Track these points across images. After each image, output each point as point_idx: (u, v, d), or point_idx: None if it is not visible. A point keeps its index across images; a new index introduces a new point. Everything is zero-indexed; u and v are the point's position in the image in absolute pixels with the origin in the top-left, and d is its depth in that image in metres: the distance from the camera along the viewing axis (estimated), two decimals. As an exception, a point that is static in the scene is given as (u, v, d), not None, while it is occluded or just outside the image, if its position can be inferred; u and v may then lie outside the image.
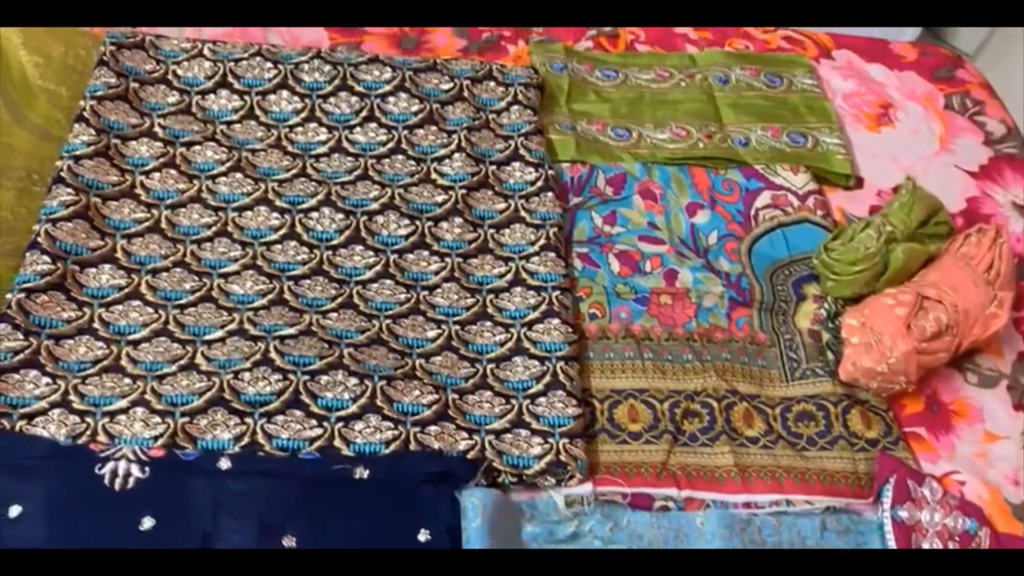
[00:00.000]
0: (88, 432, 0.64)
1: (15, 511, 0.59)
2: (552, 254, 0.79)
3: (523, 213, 0.82)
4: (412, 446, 0.66)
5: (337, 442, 0.66)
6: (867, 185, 0.92)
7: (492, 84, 0.91)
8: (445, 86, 0.90)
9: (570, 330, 0.74)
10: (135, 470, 0.61)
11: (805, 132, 0.94)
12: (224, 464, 0.63)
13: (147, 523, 0.59)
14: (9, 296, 0.70)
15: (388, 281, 0.77)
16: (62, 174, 0.77)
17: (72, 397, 0.66)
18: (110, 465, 0.61)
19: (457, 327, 0.75)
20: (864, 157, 0.95)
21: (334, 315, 0.74)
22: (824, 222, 0.85)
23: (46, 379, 0.67)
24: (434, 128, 0.87)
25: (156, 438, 0.65)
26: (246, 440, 0.66)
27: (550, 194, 0.83)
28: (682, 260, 0.81)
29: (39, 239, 0.73)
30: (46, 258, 0.72)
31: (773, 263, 0.82)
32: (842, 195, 0.91)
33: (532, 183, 0.84)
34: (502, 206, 0.83)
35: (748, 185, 0.88)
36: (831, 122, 0.95)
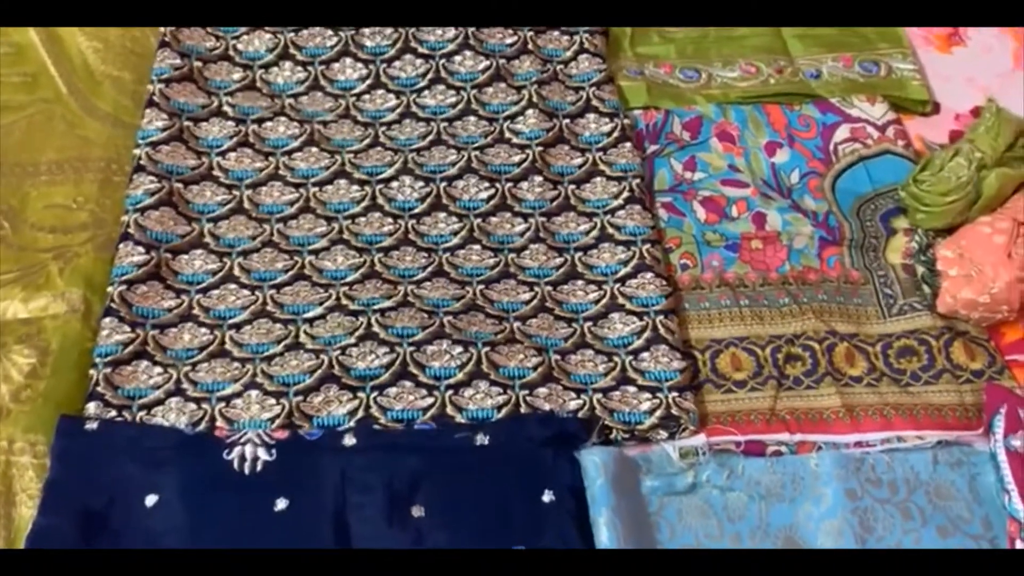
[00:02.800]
0: (207, 418, 0.65)
1: (151, 500, 0.60)
2: (637, 206, 0.77)
3: (602, 166, 0.80)
4: (523, 409, 0.66)
5: (449, 410, 0.66)
6: (944, 110, 0.89)
7: (556, 34, 0.88)
8: (509, 40, 0.87)
9: (665, 283, 0.73)
10: (262, 453, 0.62)
11: (877, 59, 0.90)
12: (348, 441, 0.63)
13: (281, 504, 0.60)
14: (110, 289, 0.70)
15: (475, 246, 0.76)
16: (141, 162, 0.76)
17: (185, 385, 0.67)
18: (237, 450, 0.62)
19: (549, 288, 0.74)
20: (937, 80, 0.91)
21: (428, 284, 0.73)
22: (906, 152, 0.83)
23: (158, 368, 0.67)
24: (503, 85, 0.85)
25: (274, 419, 0.65)
26: (360, 414, 0.66)
27: (628, 144, 0.81)
28: (768, 202, 0.79)
29: (130, 230, 0.72)
30: (140, 248, 0.72)
31: (858, 198, 0.80)
32: (919, 122, 0.88)
33: (608, 134, 0.82)
34: (580, 160, 0.81)
35: (825, 119, 0.85)
36: (903, 47, 0.92)
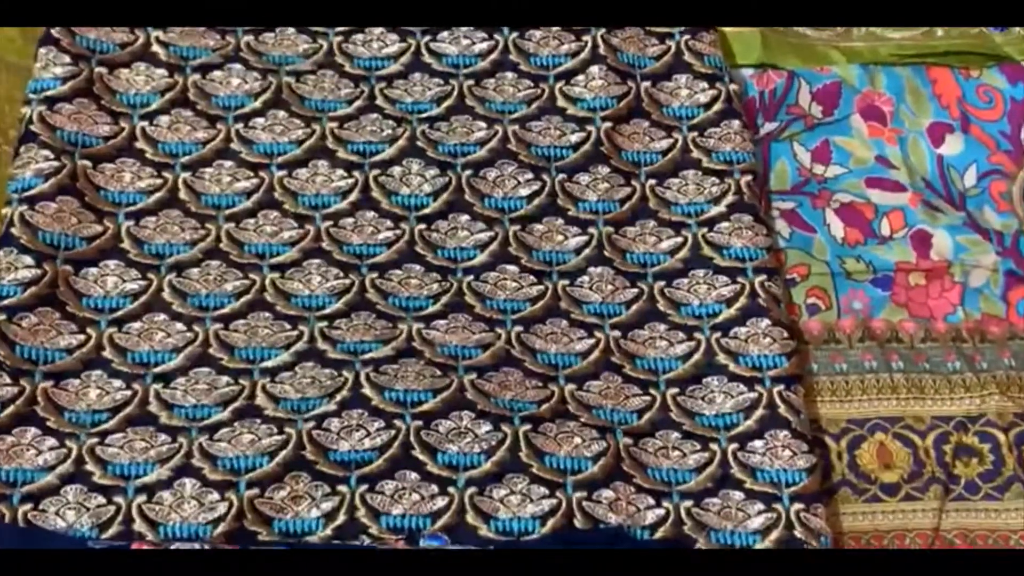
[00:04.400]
0: (120, 519, 0.59)
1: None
2: (748, 217, 0.72)
3: (697, 153, 0.75)
4: (578, 521, 0.60)
5: (470, 517, 0.61)
6: None
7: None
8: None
9: (786, 335, 0.68)
10: (198, 581, 0.56)
11: (1092, 6, 0.84)
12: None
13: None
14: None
15: (511, 267, 0.71)
16: (32, 127, 0.71)
17: (90, 467, 0.61)
18: (164, 574, 0.56)
19: (617, 333, 0.68)
20: None
21: (441, 323, 0.67)
22: None
23: (50, 441, 0.62)
24: (556, 29, 0.79)
25: (216, 522, 0.59)
26: (341, 518, 0.61)
27: (735, 122, 0.77)
28: (934, 216, 0.76)
29: (13, 230, 0.67)
30: (27, 258, 0.66)
31: (1063, 213, 0.76)
32: None
33: (707, 106, 0.77)
34: (665, 144, 0.76)
35: (1015, 93, 0.82)
36: None
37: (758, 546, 0.62)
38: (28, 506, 0.60)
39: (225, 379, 0.65)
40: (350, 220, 0.71)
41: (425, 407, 0.64)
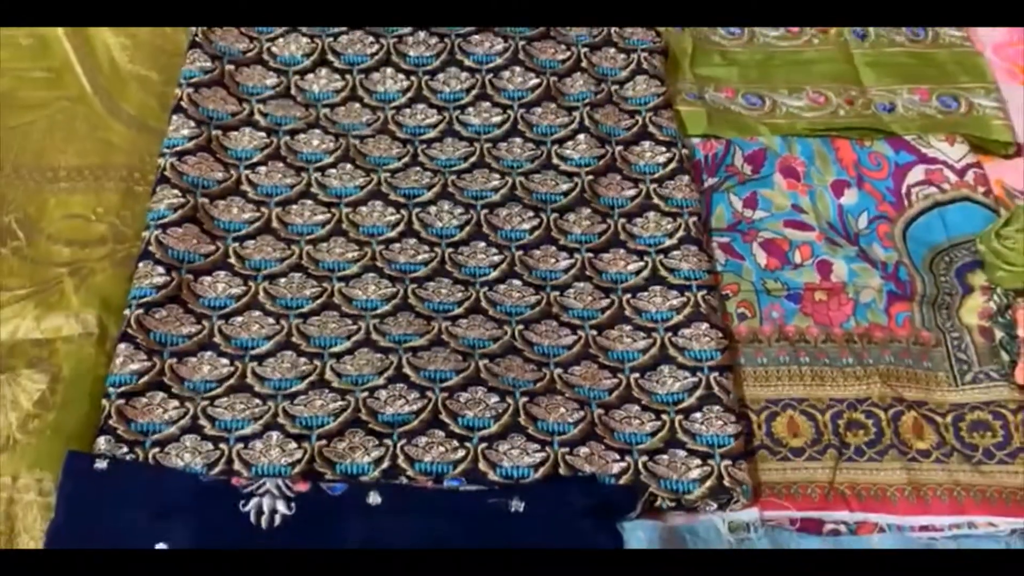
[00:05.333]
0: (223, 460, 0.61)
1: (160, 548, 0.56)
2: (694, 247, 0.72)
3: (657, 200, 0.75)
4: (562, 469, 0.62)
5: (482, 465, 0.62)
6: (1026, 151, 0.83)
7: (612, 51, 0.82)
8: (561, 56, 0.82)
9: (721, 335, 0.68)
10: (281, 506, 0.58)
11: (957, 94, 0.84)
12: (373, 499, 0.58)
13: (299, 563, 0.57)
14: (127, 312, 0.66)
15: (516, 281, 0.71)
16: (166, 173, 0.72)
17: (203, 421, 0.62)
18: (255, 501, 0.57)
19: (594, 332, 0.69)
20: (1018, 114, 0.85)
21: (464, 322, 0.69)
22: (986, 200, 0.77)
23: (174, 402, 0.63)
24: (553, 105, 0.79)
25: (294, 464, 0.61)
26: (386, 464, 0.62)
27: (685, 177, 0.76)
28: (834, 249, 0.74)
29: (150, 247, 0.68)
30: (160, 268, 0.67)
31: (931, 249, 0.75)
32: (1001, 165, 0.82)
33: (664, 165, 0.77)
34: (632, 192, 0.76)
35: (898, 159, 0.79)
36: (986, 81, 0.85)
37: (695, 492, 0.61)
38: (156, 450, 0.61)
39: (303, 360, 0.66)
40: (397, 245, 0.72)
41: (449, 383, 0.65)
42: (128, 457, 0.60)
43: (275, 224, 0.72)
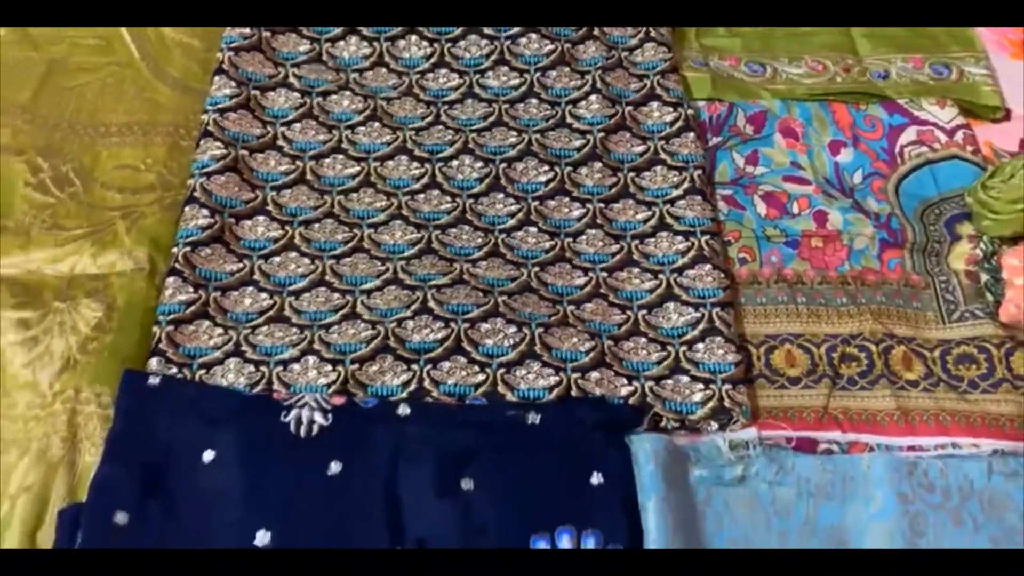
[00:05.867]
0: (264, 381, 0.67)
1: (208, 456, 0.62)
2: (698, 197, 0.78)
3: (664, 155, 0.81)
4: (574, 392, 0.67)
5: (500, 388, 0.67)
6: (1015, 117, 0.88)
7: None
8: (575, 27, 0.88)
9: (723, 276, 0.73)
10: (318, 417, 0.64)
11: (948, 63, 0.90)
12: (403, 411, 0.65)
13: (334, 468, 0.62)
14: (175, 250, 0.72)
15: (532, 229, 0.77)
16: (209, 128, 0.79)
17: (245, 347, 0.69)
18: (294, 413, 0.64)
19: (604, 274, 0.75)
20: (1010, 87, 0.90)
21: (483, 264, 0.75)
22: (974, 158, 0.82)
23: (218, 330, 0.69)
24: (566, 69, 0.85)
25: (330, 385, 0.67)
26: (413, 386, 0.67)
27: (691, 135, 0.81)
28: (830, 200, 0.79)
29: (195, 193, 0.75)
30: (204, 211, 0.74)
31: (922, 202, 0.80)
32: (989, 128, 0.87)
33: (671, 124, 0.82)
34: (641, 148, 0.81)
35: (891, 121, 0.85)
36: (976, 51, 0.91)
37: (698, 412, 0.67)
38: (202, 371, 0.67)
39: (336, 295, 0.72)
40: (422, 196, 0.78)
41: (471, 315, 0.71)
42: (177, 377, 0.66)
43: (309, 176, 0.79)
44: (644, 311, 0.73)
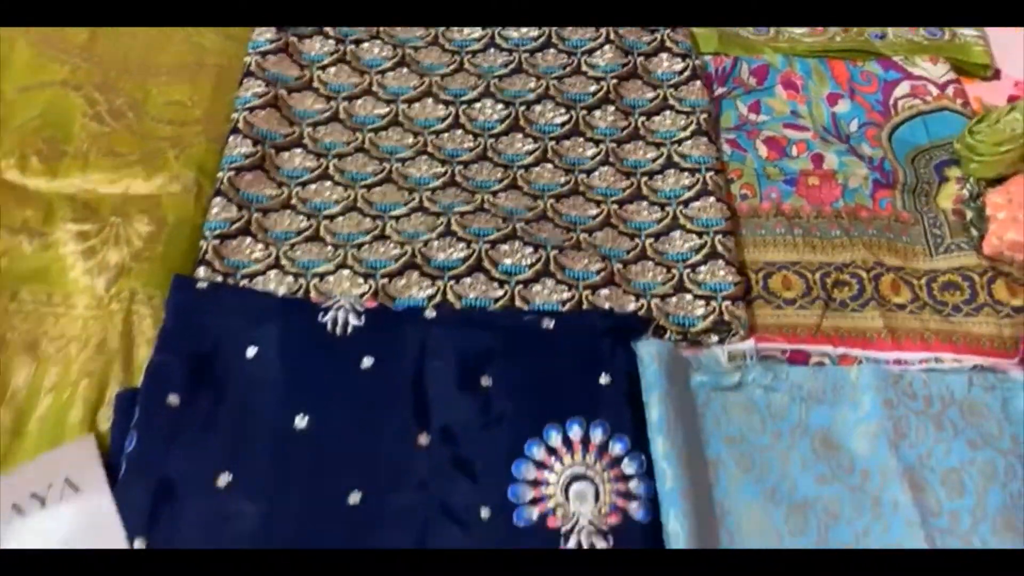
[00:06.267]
0: (302, 291, 0.74)
1: (251, 351, 0.69)
2: (704, 139, 0.84)
3: (672, 101, 0.87)
4: (585, 306, 0.74)
5: (518, 302, 0.74)
6: (1004, 76, 0.94)
7: (635, -16, 0.95)
8: (591, -14, 0.95)
9: (725, 208, 0.79)
10: (352, 318, 0.70)
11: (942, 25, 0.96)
12: (429, 314, 0.71)
13: (366, 362, 0.68)
14: (220, 174, 0.79)
15: (548, 165, 0.83)
16: (251, 69, 0.85)
17: (284, 261, 0.75)
18: (331, 314, 0.70)
19: (615, 206, 0.81)
20: (1000, 50, 0.96)
21: (502, 195, 0.81)
22: (963, 110, 0.88)
23: (260, 245, 0.76)
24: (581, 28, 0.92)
25: (362, 296, 0.73)
26: (438, 299, 0.74)
27: (697, 83, 0.88)
28: (827, 145, 0.85)
29: (239, 125, 0.82)
30: (247, 141, 0.81)
31: (914, 148, 0.86)
32: (979, 85, 0.93)
33: (680, 72, 0.89)
34: (651, 95, 0.88)
35: (886, 76, 0.91)
36: (968, 14, 0.97)
37: (699, 326, 0.73)
38: (245, 281, 0.73)
39: (367, 220, 0.78)
40: (446, 135, 0.84)
41: (491, 238, 0.77)
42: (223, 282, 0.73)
43: (342, 115, 0.85)
44: (651, 239, 0.79)
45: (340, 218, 0.78)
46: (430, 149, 0.84)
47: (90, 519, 0.60)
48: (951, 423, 0.69)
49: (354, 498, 0.63)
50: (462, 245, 0.76)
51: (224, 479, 0.63)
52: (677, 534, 0.61)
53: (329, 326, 0.70)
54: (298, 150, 0.82)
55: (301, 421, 0.66)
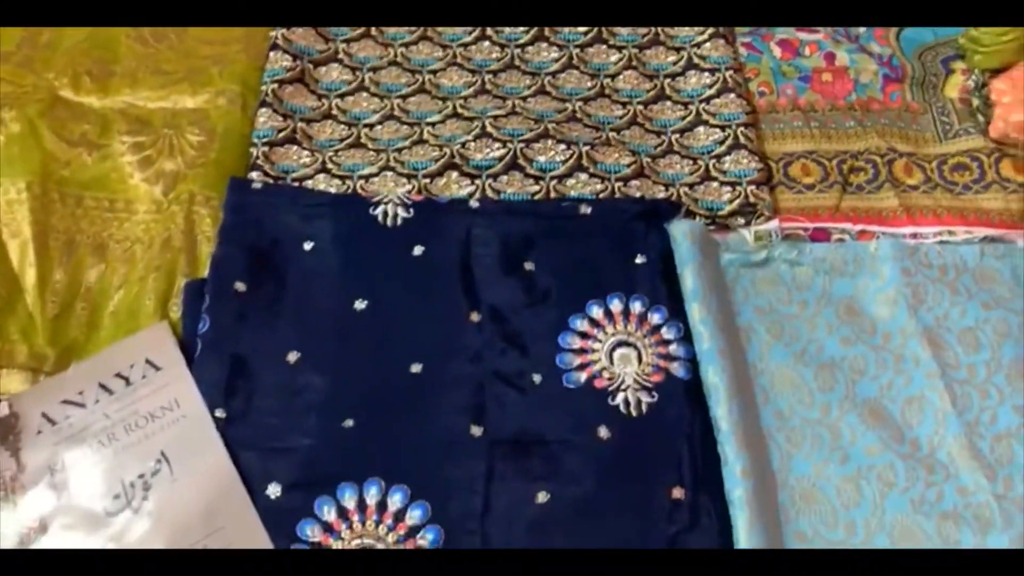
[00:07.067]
0: (349, 192, 0.78)
1: (308, 246, 0.74)
2: (721, 40, 0.88)
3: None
4: (618, 195, 0.78)
5: (553, 195, 0.78)
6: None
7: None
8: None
9: (745, 103, 0.84)
10: (401, 211, 0.75)
11: (944, -68, 1.00)
12: (474, 204, 0.76)
13: (417, 250, 0.73)
14: (263, 87, 0.83)
15: (574, 71, 0.88)
16: (276, 41, 0.87)
17: (330, 166, 0.80)
18: (381, 208, 0.75)
19: (640, 107, 0.86)
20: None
21: (532, 100, 0.85)
22: (967, 9, 0.93)
23: (306, 152, 0.81)
24: None
25: (409, 192, 0.78)
26: (478, 194, 0.78)
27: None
28: (837, 44, 0.90)
29: (278, 41, 0.86)
30: (287, 56, 0.85)
31: (920, 45, 0.90)
32: (981, -12, 0.98)
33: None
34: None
35: (892, -19, 0.95)
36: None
37: (726, 209, 0.77)
38: (295, 183, 0.78)
39: (405, 127, 0.83)
40: (474, 47, 0.89)
41: (525, 137, 0.81)
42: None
43: (374, 32, 0.89)
44: (677, 135, 0.83)
45: (379, 126, 0.83)
46: (459, 60, 0.88)
47: (172, 394, 0.66)
48: (965, 288, 0.75)
49: (416, 368, 0.68)
50: (498, 145, 0.81)
51: (293, 356, 0.68)
52: (716, 386, 0.67)
53: (380, 218, 0.75)
54: (335, 64, 0.87)
55: (360, 304, 0.71)
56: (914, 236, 0.78)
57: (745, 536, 0.61)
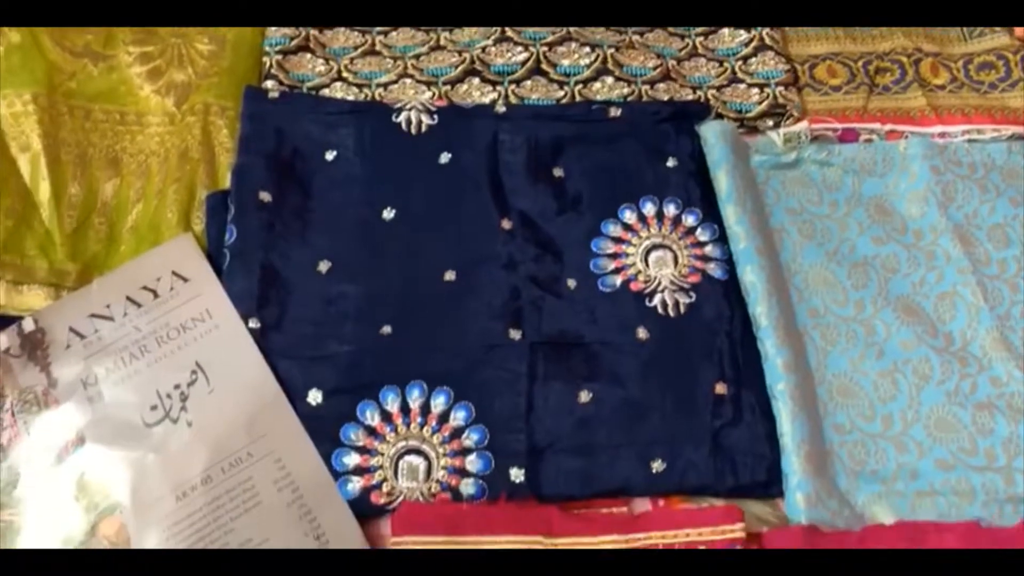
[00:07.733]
0: (366, 97, 0.76)
1: (330, 155, 0.72)
2: None
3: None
4: (645, 98, 0.77)
5: (577, 97, 0.77)
6: None
7: None
8: None
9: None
10: (425, 118, 0.73)
11: None
12: (500, 109, 0.74)
13: (444, 158, 0.72)
14: None
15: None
16: None
17: (346, 74, 0.78)
18: (404, 114, 0.73)
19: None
20: None
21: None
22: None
23: (320, 60, 0.78)
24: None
25: (432, 97, 0.76)
26: (501, 100, 0.76)
27: None
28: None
29: None
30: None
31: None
32: None
33: None
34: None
35: None
36: None
37: (755, 110, 0.77)
38: (312, 91, 0.76)
39: (421, 33, 0.80)
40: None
41: (547, 40, 0.79)
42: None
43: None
44: (701, 37, 0.82)
45: (393, 32, 0.80)
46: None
47: (203, 305, 0.64)
48: (994, 185, 0.75)
49: (449, 275, 0.67)
50: (519, 49, 0.79)
51: (324, 265, 0.67)
52: (754, 284, 0.67)
53: (404, 125, 0.73)
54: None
55: (388, 213, 0.70)
56: (942, 135, 0.77)
57: (789, 428, 0.62)
